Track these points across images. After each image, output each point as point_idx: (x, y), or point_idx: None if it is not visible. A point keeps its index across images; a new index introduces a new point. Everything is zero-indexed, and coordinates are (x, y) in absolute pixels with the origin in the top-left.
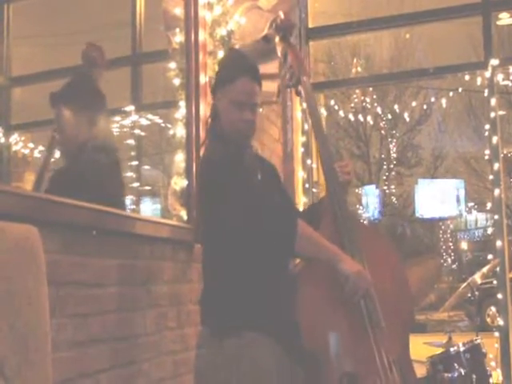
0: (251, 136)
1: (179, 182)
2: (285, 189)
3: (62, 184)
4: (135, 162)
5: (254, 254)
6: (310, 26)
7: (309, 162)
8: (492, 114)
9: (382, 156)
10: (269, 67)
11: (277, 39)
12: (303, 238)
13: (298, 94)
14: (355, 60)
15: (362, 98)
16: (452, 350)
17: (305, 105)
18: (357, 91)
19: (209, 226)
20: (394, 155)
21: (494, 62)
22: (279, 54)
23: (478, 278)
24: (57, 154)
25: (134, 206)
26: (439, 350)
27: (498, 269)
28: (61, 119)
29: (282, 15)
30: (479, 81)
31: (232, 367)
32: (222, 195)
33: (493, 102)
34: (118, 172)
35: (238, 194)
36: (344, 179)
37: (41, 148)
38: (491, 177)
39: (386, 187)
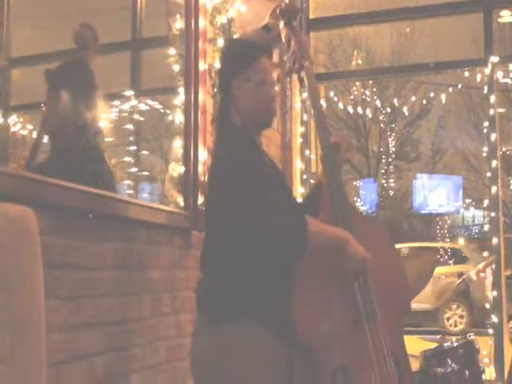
0: (275, 114)
1: (177, 169)
2: (289, 186)
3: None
4: (134, 147)
5: (260, 250)
6: (311, 16)
7: (307, 152)
8: (491, 112)
9: (381, 149)
10: None
11: (281, 24)
12: (311, 235)
13: (301, 80)
14: (356, 52)
15: (362, 90)
16: (445, 345)
17: (306, 93)
18: (357, 84)
19: (215, 215)
20: (393, 149)
21: (494, 59)
22: (283, 39)
23: (473, 274)
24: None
25: (132, 191)
26: (433, 345)
27: (493, 266)
28: (50, 97)
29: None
30: (479, 77)
31: (228, 352)
32: (235, 189)
33: (492, 99)
34: (100, 156)
35: (250, 192)
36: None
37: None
38: (489, 174)
39: (384, 181)
